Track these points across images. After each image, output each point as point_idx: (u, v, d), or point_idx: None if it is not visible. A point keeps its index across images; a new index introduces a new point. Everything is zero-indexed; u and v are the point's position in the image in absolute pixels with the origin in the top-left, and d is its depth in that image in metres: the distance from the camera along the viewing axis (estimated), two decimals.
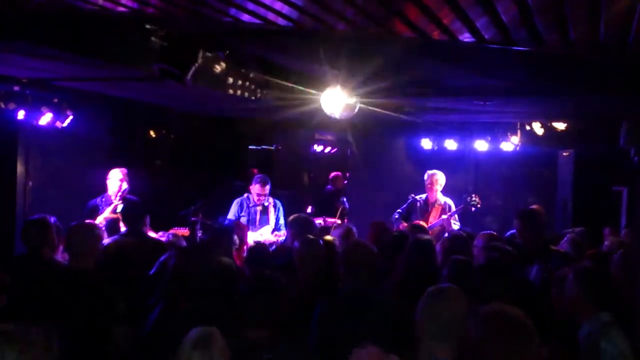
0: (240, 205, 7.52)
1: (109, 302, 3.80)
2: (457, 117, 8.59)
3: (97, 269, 4.65)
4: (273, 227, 7.43)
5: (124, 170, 6.75)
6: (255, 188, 7.40)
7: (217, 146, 9.67)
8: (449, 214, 7.68)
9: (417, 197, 7.89)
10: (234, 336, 2.89)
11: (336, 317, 3.55)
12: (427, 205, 7.84)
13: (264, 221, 7.45)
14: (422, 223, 7.65)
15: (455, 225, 7.64)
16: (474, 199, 7.79)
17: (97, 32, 4.16)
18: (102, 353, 3.59)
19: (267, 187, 7.41)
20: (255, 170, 9.28)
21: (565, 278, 3.77)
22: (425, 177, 7.87)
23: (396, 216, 7.82)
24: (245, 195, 7.59)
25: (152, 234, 5.60)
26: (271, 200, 7.54)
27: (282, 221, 7.51)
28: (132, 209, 5.35)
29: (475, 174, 10.06)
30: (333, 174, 11.94)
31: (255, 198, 7.42)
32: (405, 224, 7.51)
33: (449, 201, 7.88)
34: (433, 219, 7.76)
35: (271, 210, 7.49)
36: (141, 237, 5.09)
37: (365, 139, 10.16)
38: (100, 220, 6.25)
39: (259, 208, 7.42)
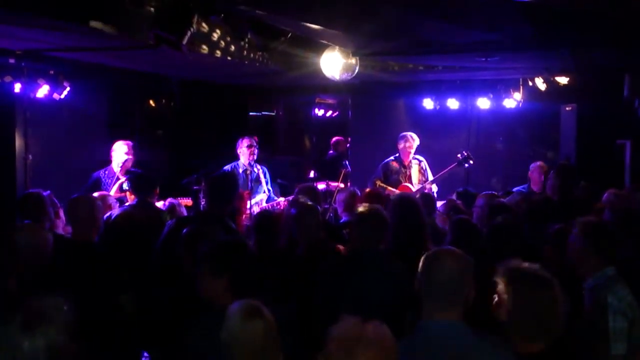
0: None
1: (113, 271, 3.81)
2: (458, 76, 8.48)
3: (104, 239, 4.70)
4: (267, 195, 7.38)
5: (129, 143, 6.64)
6: (244, 145, 7.27)
7: (217, 113, 9.60)
8: (443, 170, 7.72)
9: (389, 160, 7.93)
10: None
11: (337, 275, 3.58)
12: (404, 167, 7.89)
13: (258, 189, 7.36)
14: (406, 184, 7.72)
15: (434, 187, 7.72)
16: (465, 155, 7.82)
17: None
18: (110, 321, 3.61)
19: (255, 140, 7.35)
20: None
21: (560, 233, 3.81)
22: (400, 139, 7.93)
23: (377, 182, 7.76)
24: (234, 163, 7.40)
25: (158, 204, 5.55)
26: (259, 167, 7.46)
27: (269, 186, 7.51)
28: (142, 182, 5.30)
29: (477, 132, 9.94)
30: (335, 138, 11.85)
31: (248, 159, 7.27)
32: (392, 188, 7.58)
33: (421, 158, 7.98)
34: (415, 178, 7.84)
35: (262, 177, 7.43)
36: (149, 208, 5.07)
37: (365, 101, 10.06)
38: None
39: (247, 172, 7.19)
